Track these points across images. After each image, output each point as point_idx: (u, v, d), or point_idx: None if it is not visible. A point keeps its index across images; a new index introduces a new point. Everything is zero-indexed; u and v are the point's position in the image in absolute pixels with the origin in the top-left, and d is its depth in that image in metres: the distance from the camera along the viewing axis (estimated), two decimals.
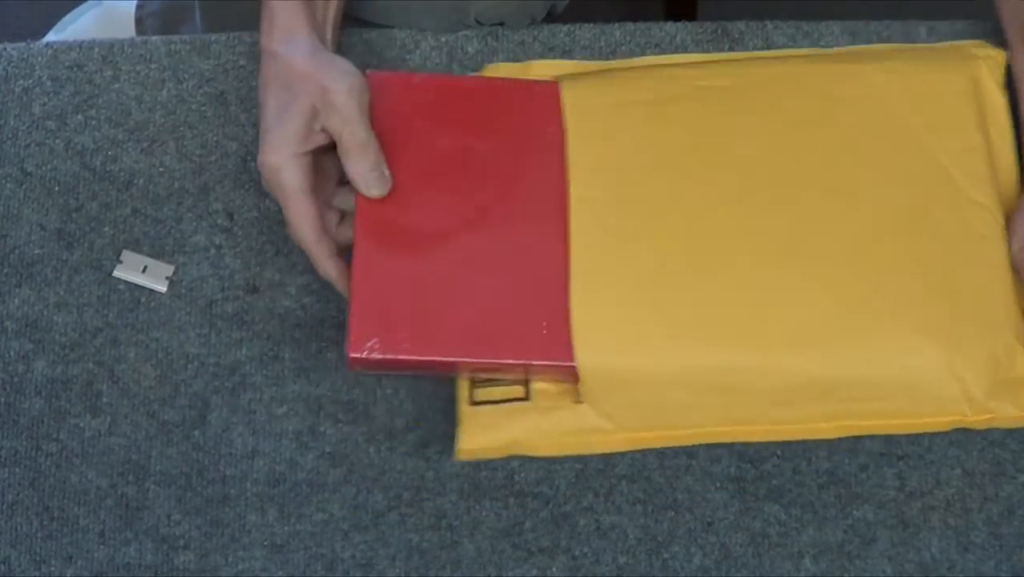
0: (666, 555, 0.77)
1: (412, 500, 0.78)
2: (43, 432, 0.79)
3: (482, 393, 0.77)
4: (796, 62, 0.84)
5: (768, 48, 0.88)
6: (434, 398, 0.80)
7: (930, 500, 0.79)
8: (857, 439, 0.79)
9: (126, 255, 0.83)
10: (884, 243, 0.77)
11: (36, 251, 0.83)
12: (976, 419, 0.77)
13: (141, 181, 0.85)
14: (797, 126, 0.80)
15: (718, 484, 0.79)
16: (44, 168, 0.85)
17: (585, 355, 0.74)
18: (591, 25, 0.89)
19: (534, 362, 0.74)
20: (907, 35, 0.89)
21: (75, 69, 0.88)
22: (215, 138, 0.86)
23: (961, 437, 0.80)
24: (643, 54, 0.88)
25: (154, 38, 0.89)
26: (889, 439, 0.79)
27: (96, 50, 0.88)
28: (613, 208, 0.78)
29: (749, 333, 0.75)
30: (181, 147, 0.86)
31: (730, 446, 0.79)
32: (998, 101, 0.82)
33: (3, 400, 0.80)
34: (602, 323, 0.75)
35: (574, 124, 0.80)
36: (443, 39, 0.89)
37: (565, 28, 0.89)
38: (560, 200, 0.78)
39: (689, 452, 0.79)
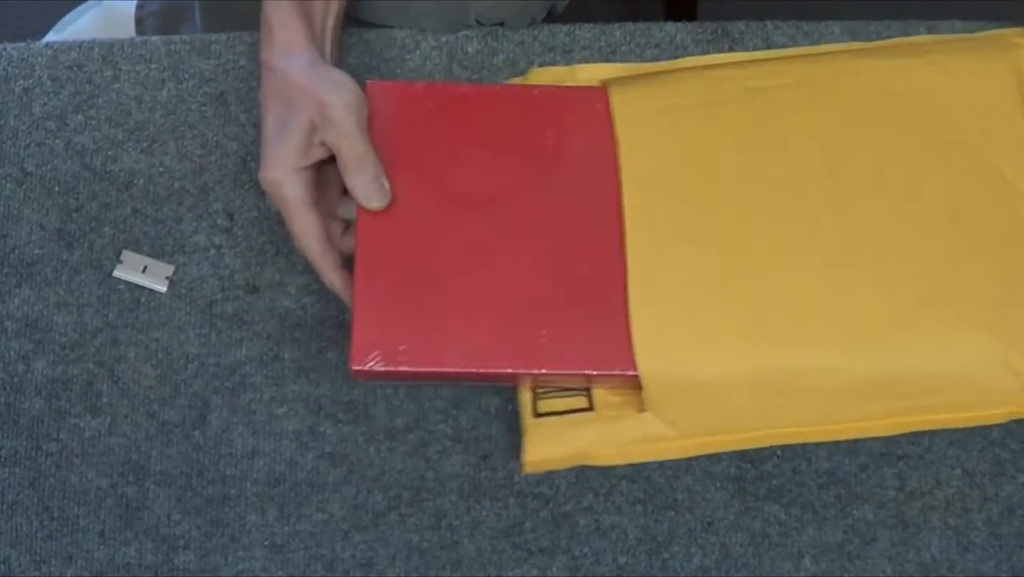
0: (666, 555, 0.77)
1: (412, 500, 0.78)
2: (43, 432, 0.79)
3: (545, 405, 0.77)
4: (840, 59, 0.84)
5: (768, 47, 0.88)
6: (434, 398, 0.80)
7: (930, 500, 0.79)
8: (857, 439, 0.79)
9: (126, 255, 0.83)
10: (935, 237, 0.78)
11: (36, 251, 0.83)
12: None
13: (141, 181, 0.85)
14: (844, 124, 0.80)
15: (718, 484, 0.79)
16: (44, 168, 0.85)
17: (648, 363, 0.74)
18: (591, 25, 0.89)
19: (533, 371, 0.74)
20: (907, 35, 0.89)
21: (75, 69, 0.88)
22: (215, 138, 0.86)
23: (961, 437, 0.80)
24: (643, 54, 0.88)
25: (154, 38, 0.89)
26: (889, 439, 0.79)
27: (96, 50, 0.88)
28: (668, 215, 0.77)
29: (809, 333, 0.75)
30: (181, 147, 0.86)
31: None
32: None
33: (3, 400, 0.80)
34: (663, 331, 0.74)
35: (624, 131, 0.79)
36: (443, 39, 0.89)
37: (565, 28, 0.89)
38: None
39: None
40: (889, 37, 0.88)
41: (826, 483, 0.79)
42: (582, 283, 0.75)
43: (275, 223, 0.83)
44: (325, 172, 0.77)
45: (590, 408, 0.76)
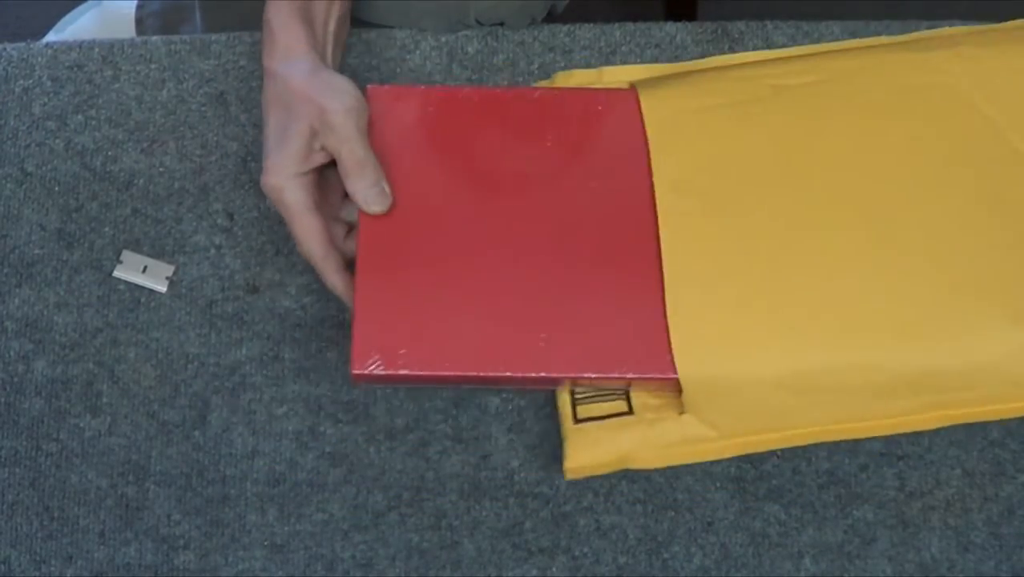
0: (666, 555, 0.77)
1: (412, 500, 0.78)
2: (43, 432, 0.79)
3: (584, 410, 0.76)
4: (866, 54, 0.84)
5: (768, 47, 0.88)
6: (434, 398, 0.80)
7: (930, 500, 0.79)
8: (857, 439, 0.79)
9: (126, 255, 0.83)
10: (969, 230, 0.77)
11: (36, 251, 0.83)
12: None
13: (141, 181, 0.85)
14: (874, 119, 0.80)
15: (718, 484, 0.79)
16: (44, 168, 0.85)
17: (687, 366, 0.73)
18: (591, 25, 0.89)
19: (531, 374, 0.74)
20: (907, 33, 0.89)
21: (75, 69, 0.88)
22: (215, 138, 0.86)
23: (961, 437, 0.80)
24: (643, 54, 0.88)
25: (154, 38, 0.89)
26: (889, 439, 0.79)
27: (96, 50, 0.88)
28: (702, 216, 0.77)
29: (847, 331, 0.75)
30: (181, 147, 0.86)
31: None
32: None
33: (3, 400, 0.80)
34: (702, 333, 0.74)
35: (655, 133, 0.79)
36: (443, 39, 0.89)
37: (565, 28, 0.89)
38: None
39: None
40: (889, 37, 0.89)
41: (826, 483, 0.79)
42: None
43: (275, 223, 0.83)
44: (327, 175, 0.77)
45: (629, 412, 0.76)
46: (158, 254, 0.83)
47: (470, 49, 0.88)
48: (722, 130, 0.80)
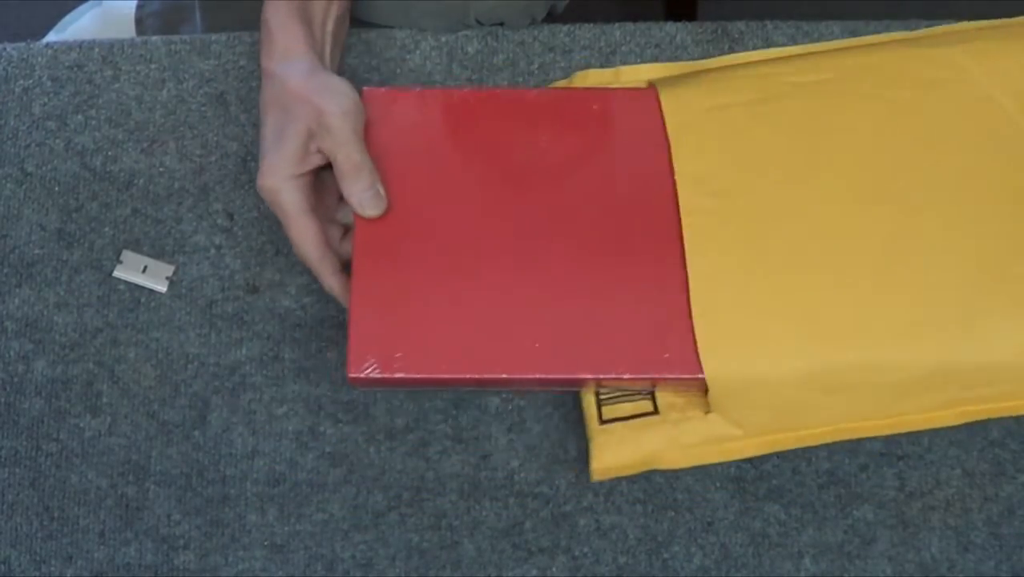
0: (666, 555, 0.77)
1: (412, 500, 0.78)
2: (43, 432, 0.79)
3: (609, 411, 0.76)
4: (880, 50, 0.84)
5: (768, 47, 0.88)
6: (434, 398, 0.80)
7: (930, 500, 0.79)
8: (857, 439, 0.79)
9: (126, 255, 0.83)
10: (989, 226, 0.77)
11: (36, 251, 0.83)
12: None
13: (141, 181, 0.85)
14: (891, 116, 0.80)
15: (718, 484, 0.79)
16: (44, 168, 0.85)
17: (714, 365, 0.73)
18: (591, 25, 0.89)
19: (530, 376, 0.74)
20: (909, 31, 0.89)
21: (75, 69, 0.88)
22: (215, 138, 0.86)
23: (961, 437, 0.80)
24: (643, 54, 0.88)
25: (154, 38, 0.89)
26: (889, 439, 0.79)
27: (96, 50, 0.88)
28: (724, 215, 0.77)
29: (871, 328, 0.75)
30: (181, 147, 0.86)
31: None
32: None
33: (3, 400, 0.80)
34: (727, 332, 0.74)
35: (676, 131, 0.79)
36: (443, 39, 0.89)
37: (565, 28, 0.89)
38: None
39: None
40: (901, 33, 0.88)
41: (826, 483, 0.79)
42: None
43: (275, 223, 0.83)
44: (324, 177, 0.77)
45: (655, 412, 0.76)
46: (158, 254, 0.83)
47: (470, 49, 0.88)
48: (742, 128, 0.80)
